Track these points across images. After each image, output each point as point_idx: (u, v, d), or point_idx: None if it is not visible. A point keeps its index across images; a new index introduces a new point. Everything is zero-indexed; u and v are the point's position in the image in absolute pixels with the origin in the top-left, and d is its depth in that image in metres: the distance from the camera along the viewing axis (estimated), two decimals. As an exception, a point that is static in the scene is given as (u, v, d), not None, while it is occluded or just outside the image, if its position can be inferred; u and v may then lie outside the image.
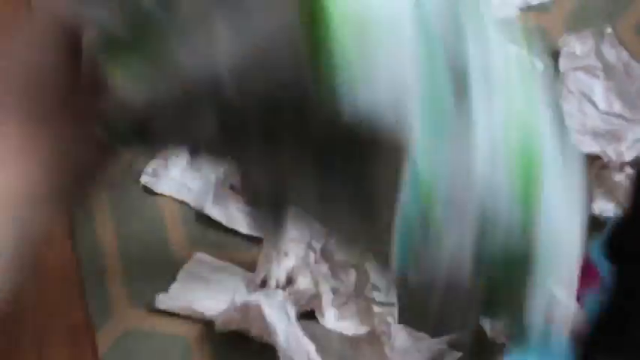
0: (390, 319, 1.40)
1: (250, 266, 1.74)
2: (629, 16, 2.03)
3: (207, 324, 1.73)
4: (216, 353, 1.71)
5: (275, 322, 1.50)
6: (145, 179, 1.90)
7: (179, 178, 1.89)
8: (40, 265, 1.87)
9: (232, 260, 1.77)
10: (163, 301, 1.75)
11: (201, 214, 1.85)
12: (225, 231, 1.82)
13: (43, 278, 1.85)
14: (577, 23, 2.01)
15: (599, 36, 1.96)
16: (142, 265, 1.85)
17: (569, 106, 1.88)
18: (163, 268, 1.81)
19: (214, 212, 1.84)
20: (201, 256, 1.80)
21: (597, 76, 1.92)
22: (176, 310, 1.73)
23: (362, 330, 1.45)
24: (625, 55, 1.92)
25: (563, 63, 1.93)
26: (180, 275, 1.78)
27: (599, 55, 1.94)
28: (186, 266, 1.79)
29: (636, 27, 2.00)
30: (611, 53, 1.94)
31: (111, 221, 1.90)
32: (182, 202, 1.87)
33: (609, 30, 1.95)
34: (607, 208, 1.73)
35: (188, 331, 1.75)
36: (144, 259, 1.86)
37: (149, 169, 1.91)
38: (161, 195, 1.88)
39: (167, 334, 1.76)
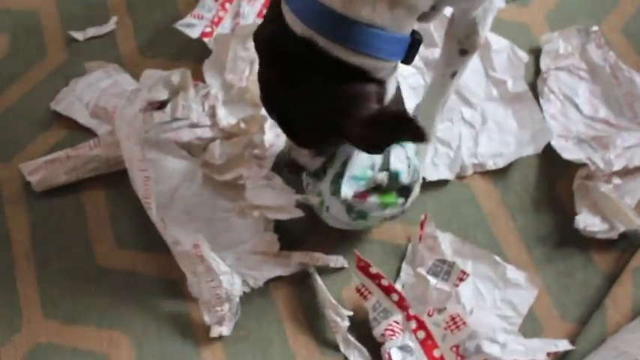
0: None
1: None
2: (616, 15, 1.86)
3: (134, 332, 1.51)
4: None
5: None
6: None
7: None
8: None
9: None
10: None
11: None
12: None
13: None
14: (559, 20, 1.84)
15: (585, 34, 1.77)
16: (58, 264, 1.60)
17: (551, 108, 1.70)
18: (84, 270, 1.59)
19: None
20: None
21: (581, 78, 1.74)
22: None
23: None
24: (612, 56, 1.75)
25: (544, 61, 1.74)
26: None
27: (584, 55, 1.76)
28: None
29: (623, 27, 1.84)
30: (597, 54, 1.75)
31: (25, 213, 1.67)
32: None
33: (595, 28, 1.78)
34: (592, 222, 1.54)
35: (109, 348, 1.52)
36: (61, 254, 1.61)
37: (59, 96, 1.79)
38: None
39: (85, 350, 1.52)
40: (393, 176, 1.42)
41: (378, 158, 1.41)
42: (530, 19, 1.82)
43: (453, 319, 1.43)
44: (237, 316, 1.51)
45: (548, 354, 1.40)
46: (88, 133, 1.73)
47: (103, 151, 1.65)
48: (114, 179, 1.67)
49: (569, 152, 1.62)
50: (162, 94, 1.69)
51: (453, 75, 1.43)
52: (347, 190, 1.41)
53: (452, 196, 1.62)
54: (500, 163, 1.63)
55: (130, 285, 1.57)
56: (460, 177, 1.64)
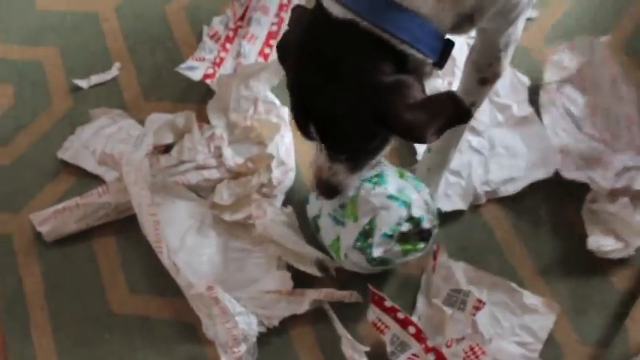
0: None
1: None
2: (615, 34, 1.85)
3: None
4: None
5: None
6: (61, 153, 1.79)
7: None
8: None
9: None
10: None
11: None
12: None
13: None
14: (559, 42, 1.83)
15: (592, 46, 1.75)
16: (73, 312, 1.60)
17: (551, 121, 1.67)
18: (98, 318, 1.58)
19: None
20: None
21: (584, 90, 1.71)
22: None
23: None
24: (618, 70, 1.71)
25: (549, 72, 1.73)
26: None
27: (590, 67, 1.73)
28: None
29: (624, 44, 1.84)
30: (602, 66, 1.72)
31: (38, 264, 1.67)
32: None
33: (603, 39, 1.75)
34: (605, 242, 1.52)
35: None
36: (74, 303, 1.61)
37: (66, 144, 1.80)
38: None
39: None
40: (416, 223, 1.41)
41: (404, 212, 1.40)
42: (530, 43, 1.82)
43: (471, 349, 1.41)
44: (254, 356, 1.49)
45: (571, 379, 1.38)
46: (96, 180, 1.73)
47: (112, 198, 1.65)
48: (124, 225, 1.67)
49: (568, 171, 1.60)
50: (168, 138, 1.70)
51: (471, 106, 1.39)
52: (378, 250, 1.41)
53: (463, 224, 1.61)
54: (512, 190, 1.62)
55: (144, 330, 1.57)
56: (475, 206, 1.63)
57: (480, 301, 1.45)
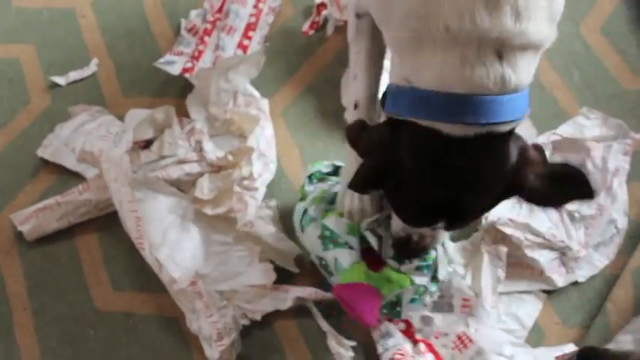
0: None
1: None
2: (594, 16, 1.86)
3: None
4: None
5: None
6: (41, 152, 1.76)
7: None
8: None
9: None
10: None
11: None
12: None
13: None
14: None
15: (621, 133, 1.63)
16: (56, 311, 1.58)
17: None
18: (82, 315, 1.57)
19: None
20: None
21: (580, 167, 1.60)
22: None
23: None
24: (623, 171, 1.60)
25: (564, 127, 1.65)
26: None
27: (605, 150, 1.61)
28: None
29: (602, 26, 1.85)
30: (615, 158, 1.61)
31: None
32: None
33: (636, 136, 1.62)
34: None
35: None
36: (58, 302, 1.59)
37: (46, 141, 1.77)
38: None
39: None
40: (441, 282, 1.44)
41: (425, 280, 1.40)
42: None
43: (459, 338, 1.42)
44: (238, 349, 1.49)
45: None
46: (76, 177, 1.72)
47: (93, 195, 1.64)
48: (105, 222, 1.66)
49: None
50: (148, 133, 1.69)
51: None
52: (407, 314, 1.45)
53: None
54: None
55: (129, 327, 1.56)
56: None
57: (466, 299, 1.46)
